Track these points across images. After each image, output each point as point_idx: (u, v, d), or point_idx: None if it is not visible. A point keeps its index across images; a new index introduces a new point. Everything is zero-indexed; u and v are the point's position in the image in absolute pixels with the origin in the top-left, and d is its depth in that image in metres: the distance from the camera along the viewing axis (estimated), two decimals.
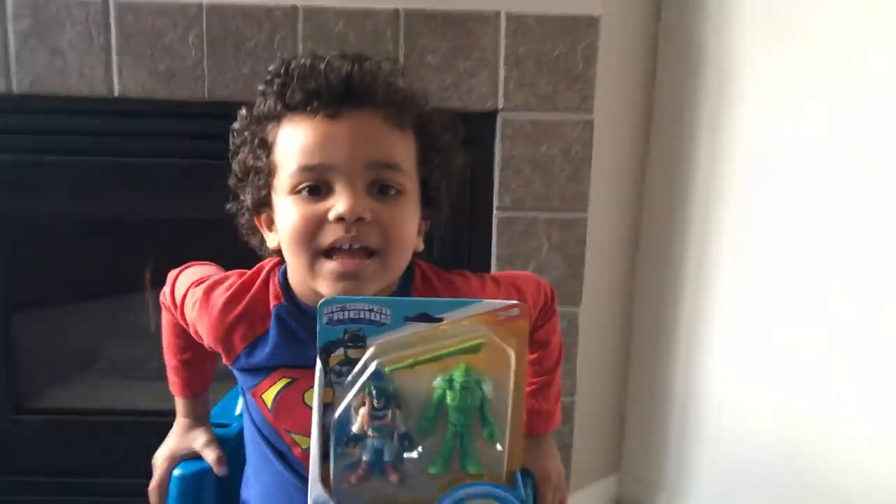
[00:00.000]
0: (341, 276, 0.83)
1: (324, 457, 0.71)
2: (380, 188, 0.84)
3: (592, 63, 1.60)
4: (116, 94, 1.60)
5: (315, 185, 0.83)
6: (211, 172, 1.64)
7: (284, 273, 0.93)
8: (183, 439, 1.10)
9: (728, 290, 1.77)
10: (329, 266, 0.83)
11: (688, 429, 1.87)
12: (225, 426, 1.18)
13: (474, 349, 0.70)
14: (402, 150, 0.87)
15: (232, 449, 1.11)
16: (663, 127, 1.82)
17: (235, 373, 0.98)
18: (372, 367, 0.69)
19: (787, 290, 1.67)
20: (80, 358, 2.02)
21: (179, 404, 1.12)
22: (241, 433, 1.15)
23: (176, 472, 1.06)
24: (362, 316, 0.70)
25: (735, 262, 1.75)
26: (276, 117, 0.87)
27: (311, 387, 0.83)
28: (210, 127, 1.62)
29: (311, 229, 0.83)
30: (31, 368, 1.88)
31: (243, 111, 0.92)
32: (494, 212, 1.67)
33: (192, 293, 0.99)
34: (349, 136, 0.83)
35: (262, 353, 0.91)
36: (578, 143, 1.64)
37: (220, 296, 0.94)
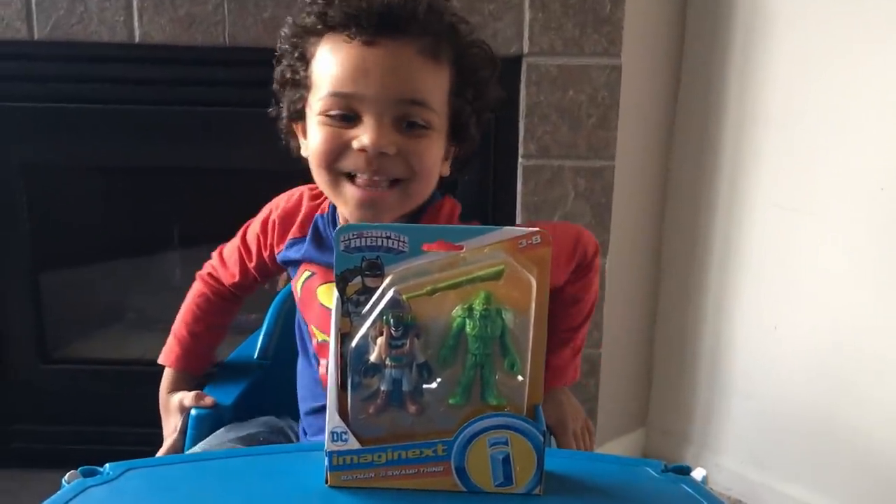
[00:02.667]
0: (360, 204, 0.86)
1: (342, 387, 0.69)
2: (408, 123, 0.85)
3: (620, 5, 1.56)
4: (137, 40, 1.58)
5: (345, 114, 0.85)
6: (233, 119, 1.67)
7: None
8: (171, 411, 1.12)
9: (759, 240, 1.73)
10: (350, 190, 0.87)
11: (716, 381, 1.84)
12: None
13: (494, 276, 0.68)
14: (434, 85, 0.87)
15: (251, 389, 1.13)
16: (693, 70, 1.78)
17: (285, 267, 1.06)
18: (389, 295, 0.67)
19: (820, 240, 1.64)
20: (107, 310, 2.03)
21: (168, 378, 1.13)
22: (259, 374, 1.17)
23: (192, 412, 1.06)
24: (380, 243, 0.67)
25: (766, 212, 1.71)
26: (317, 33, 0.88)
27: (325, 282, 0.94)
28: (231, 74, 1.64)
29: (335, 153, 0.86)
30: (59, 320, 1.90)
31: (290, 19, 0.92)
32: (519, 160, 1.65)
33: (263, 212, 1.07)
34: (382, 68, 0.84)
35: (299, 250, 0.99)
36: (606, 88, 1.60)
37: (296, 192, 1.04)
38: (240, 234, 1.10)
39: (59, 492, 0.71)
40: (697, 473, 0.78)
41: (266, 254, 1.05)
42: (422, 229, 0.70)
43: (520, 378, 0.70)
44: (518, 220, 1.66)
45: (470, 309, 0.68)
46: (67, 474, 0.73)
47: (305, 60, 0.89)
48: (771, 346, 1.74)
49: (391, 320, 0.67)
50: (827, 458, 1.68)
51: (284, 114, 0.94)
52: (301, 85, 0.90)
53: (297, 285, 1.00)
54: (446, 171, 0.93)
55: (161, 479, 0.75)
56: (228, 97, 1.66)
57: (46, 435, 1.86)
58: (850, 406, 1.63)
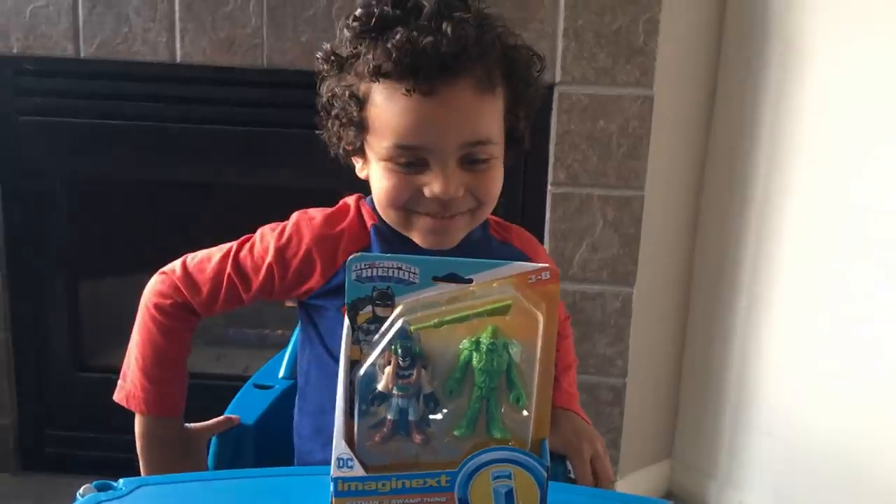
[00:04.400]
0: (433, 232, 0.90)
1: (349, 414, 0.70)
2: (471, 160, 0.88)
3: (654, 36, 1.56)
4: (179, 60, 1.63)
5: (411, 162, 0.88)
6: (269, 140, 1.71)
7: (372, 202, 0.96)
8: (187, 460, 1.04)
9: (788, 276, 1.71)
10: (423, 221, 0.90)
11: (742, 417, 1.82)
12: (268, 387, 1.20)
13: (502, 311, 0.69)
14: (493, 118, 0.90)
15: (271, 408, 1.13)
16: (726, 102, 1.76)
17: (316, 301, 0.98)
18: (398, 326, 0.68)
19: (849, 278, 1.61)
20: None
21: (148, 426, 1.03)
22: (285, 391, 1.18)
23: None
24: (391, 274, 0.69)
25: (795, 249, 1.69)
26: (369, 78, 0.87)
27: None
28: (269, 95, 1.68)
29: (405, 199, 0.89)
30: (96, 329, 1.94)
31: (328, 46, 0.92)
32: (549, 187, 1.65)
33: (267, 230, 0.99)
34: (444, 117, 0.86)
35: None
36: (637, 118, 1.60)
37: (317, 213, 0.98)
38: (226, 258, 0.98)
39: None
40: None
41: (280, 287, 0.97)
42: (433, 262, 0.70)
43: (525, 413, 0.70)
44: (546, 248, 1.67)
45: (477, 342, 0.68)
46: (82, 487, 0.75)
47: (359, 101, 0.89)
48: (798, 382, 1.71)
49: (399, 350, 0.68)
50: (853, 499, 1.65)
51: (340, 148, 0.94)
52: (356, 125, 0.90)
53: None
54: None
55: (173, 497, 0.76)
56: (266, 117, 1.70)
57: (80, 441, 1.90)
58: (879, 447, 1.60)
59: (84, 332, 1.90)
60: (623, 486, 1.82)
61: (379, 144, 0.88)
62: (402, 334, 0.68)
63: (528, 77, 0.93)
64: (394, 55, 0.84)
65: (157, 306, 1.00)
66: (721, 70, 1.77)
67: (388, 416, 0.69)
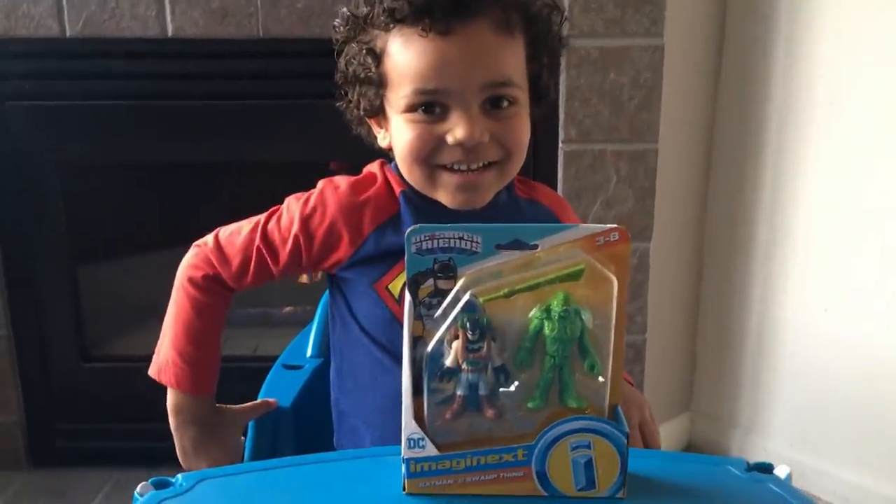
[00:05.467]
0: (461, 188, 0.86)
1: (416, 393, 0.67)
2: (493, 101, 0.84)
3: None
4: (170, 34, 1.56)
5: (430, 104, 0.84)
6: (268, 113, 1.65)
7: (397, 169, 0.93)
8: (218, 441, 1.00)
9: (804, 222, 1.70)
10: (449, 177, 0.86)
11: (762, 364, 1.82)
12: (298, 367, 1.17)
13: (573, 276, 0.66)
14: (514, 60, 0.86)
15: (304, 388, 1.10)
16: (737, 50, 1.73)
17: (345, 274, 0.94)
18: (465, 298, 0.65)
19: (865, 222, 1.60)
20: (146, 308, 2.02)
21: (189, 406, 0.99)
22: (316, 370, 1.14)
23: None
24: (452, 244, 0.66)
25: (813, 195, 1.67)
26: (384, 27, 0.85)
27: None
28: (267, 65, 1.62)
29: (428, 149, 0.85)
30: (98, 318, 1.89)
31: (345, 10, 0.90)
32: (560, 144, 1.62)
33: (293, 199, 0.95)
34: (462, 57, 0.82)
35: (396, 236, 0.90)
36: (648, 69, 1.57)
37: (342, 180, 0.94)
38: (255, 230, 0.95)
39: None
40: (781, 471, 0.76)
41: (308, 258, 0.93)
42: (495, 229, 0.67)
43: (600, 379, 0.68)
44: None
45: (548, 310, 0.66)
46: (140, 486, 0.72)
47: (376, 56, 0.87)
48: (820, 328, 1.71)
49: (467, 323, 0.65)
50: (877, 441, 1.65)
51: (359, 111, 0.92)
52: (375, 82, 0.87)
53: (397, 284, 0.91)
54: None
55: (236, 490, 0.73)
56: (265, 90, 1.65)
57: (89, 433, 1.87)
58: None
59: (86, 323, 1.85)
60: None
61: (398, 96, 0.85)
62: (470, 307, 0.65)
63: (549, 24, 0.90)
64: None
65: (189, 279, 0.97)
66: (730, 16, 1.73)
67: (458, 392, 0.67)
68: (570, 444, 0.67)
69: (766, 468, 0.76)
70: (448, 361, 0.66)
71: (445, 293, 0.66)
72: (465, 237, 0.66)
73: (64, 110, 1.65)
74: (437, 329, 0.66)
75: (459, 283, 0.66)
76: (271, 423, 1.04)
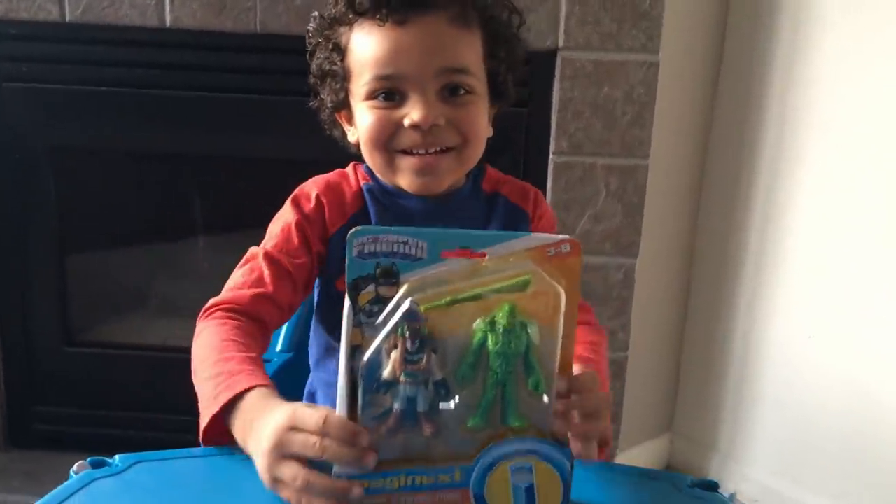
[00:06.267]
0: (420, 171, 0.88)
1: (352, 404, 0.64)
2: (450, 90, 0.88)
3: (660, 0, 1.52)
4: (168, 24, 1.57)
5: (389, 92, 0.87)
6: (262, 107, 1.66)
7: (368, 168, 0.96)
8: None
9: (795, 246, 1.68)
10: (408, 161, 0.89)
11: (744, 389, 1.80)
12: (266, 361, 1.16)
13: (519, 287, 0.63)
14: (470, 51, 0.89)
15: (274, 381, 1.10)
16: (733, 69, 1.73)
17: (320, 272, 0.94)
18: (405, 306, 0.62)
19: (853, 250, 1.59)
20: (132, 295, 2.03)
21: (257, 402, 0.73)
22: (284, 364, 1.14)
23: None
24: (396, 249, 0.63)
25: (803, 218, 1.66)
26: (347, 22, 0.90)
27: None
28: (262, 60, 1.62)
29: (388, 133, 0.88)
30: (84, 304, 1.90)
31: (316, 13, 0.95)
32: (551, 156, 1.61)
33: (272, 223, 0.94)
34: (419, 44, 0.86)
35: None
36: (642, 85, 1.56)
37: (310, 186, 0.95)
38: (258, 254, 0.90)
39: (65, 483, 0.69)
40: (726, 490, 0.74)
41: (316, 248, 0.91)
42: (442, 234, 0.64)
43: (545, 399, 0.65)
44: None
45: (492, 322, 0.63)
46: (76, 464, 0.72)
47: (341, 51, 0.91)
48: (804, 354, 1.69)
49: (407, 333, 0.62)
50: (858, 472, 1.63)
51: (328, 104, 0.95)
52: (340, 75, 0.92)
53: None
54: (490, 132, 0.95)
55: (170, 473, 0.73)
56: (258, 84, 1.65)
57: (69, 418, 1.87)
58: (884, 420, 1.59)
59: (72, 307, 1.86)
60: (622, 459, 1.80)
61: (359, 84, 0.89)
62: (411, 315, 0.62)
63: (508, 24, 0.94)
64: None
65: (210, 316, 0.84)
66: (728, 35, 1.73)
67: (396, 406, 0.64)
68: (510, 466, 0.64)
69: (711, 486, 0.75)
70: (386, 373, 0.63)
71: (387, 300, 0.63)
72: (410, 242, 0.63)
73: (59, 94, 1.65)
74: (375, 337, 0.63)
75: (402, 289, 0.63)
76: None
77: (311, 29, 0.95)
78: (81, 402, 1.86)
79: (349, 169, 0.98)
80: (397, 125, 0.87)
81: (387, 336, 0.62)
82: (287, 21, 1.55)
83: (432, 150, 0.88)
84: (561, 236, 0.64)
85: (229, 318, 0.84)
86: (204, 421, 0.74)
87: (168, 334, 1.93)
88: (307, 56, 0.96)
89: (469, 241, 0.63)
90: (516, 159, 1.62)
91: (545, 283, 0.63)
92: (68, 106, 1.67)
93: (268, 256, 0.90)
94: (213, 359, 0.77)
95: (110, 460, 0.73)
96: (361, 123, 0.90)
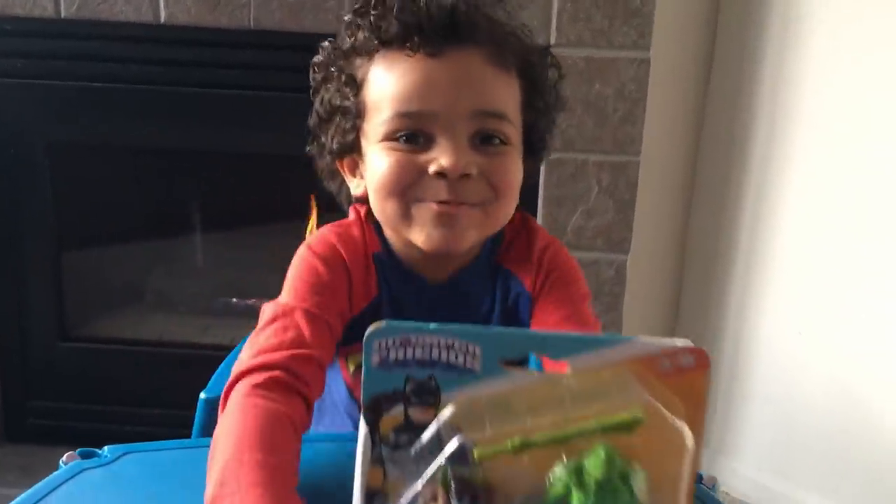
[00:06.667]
0: (440, 222, 0.75)
1: None
2: (483, 138, 0.76)
3: None
4: (163, 20, 1.58)
5: (413, 134, 0.75)
6: (256, 103, 1.66)
7: (377, 223, 0.83)
8: None
9: (786, 243, 1.69)
10: (426, 210, 0.75)
11: (735, 385, 1.81)
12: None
13: (625, 426, 0.43)
14: (509, 96, 0.78)
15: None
16: (724, 66, 1.73)
17: None
18: (454, 444, 0.43)
19: (843, 246, 1.59)
20: (127, 290, 2.04)
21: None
22: None
23: (202, 395, 1.03)
24: (436, 356, 0.44)
25: (794, 216, 1.67)
26: (368, 52, 0.78)
27: None
28: (255, 57, 1.63)
29: (408, 181, 0.75)
30: (80, 298, 1.90)
31: (327, 43, 0.83)
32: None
33: (301, 269, 0.80)
34: (452, 79, 0.74)
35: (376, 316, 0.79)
36: (634, 82, 1.57)
37: (321, 242, 0.81)
38: (291, 308, 0.76)
39: (54, 473, 0.70)
40: (709, 481, 0.75)
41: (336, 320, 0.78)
42: (504, 335, 0.46)
43: None
44: (539, 214, 1.64)
45: (579, 472, 0.44)
46: (66, 455, 0.73)
47: (356, 84, 0.78)
48: (794, 351, 1.70)
49: (452, 483, 0.44)
50: (847, 467, 1.64)
51: (333, 147, 0.82)
52: (352, 113, 0.79)
53: (354, 360, 0.83)
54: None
55: (159, 464, 0.74)
56: (252, 80, 1.65)
57: (63, 412, 1.87)
58: (873, 416, 1.60)
59: (67, 302, 1.87)
60: None
61: (377, 123, 0.76)
62: (459, 457, 0.44)
63: (545, 73, 0.83)
64: (396, 15, 0.75)
65: (243, 394, 0.69)
66: (719, 32, 1.73)
67: None
68: None
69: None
70: None
71: (421, 428, 0.45)
72: (458, 345, 0.44)
73: (55, 90, 1.66)
74: (404, 481, 0.45)
75: (445, 413, 0.44)
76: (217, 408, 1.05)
77: (317, 61, 0.83)
78: (76, 396, 1.87)
79: (353, 220, 0.84)
80: (420, 172, 0.74)
81: (424, 485, 0.45)
82: (281, 17, 1.56)
83: (456, 202, 0.74)
84: (681, 342, 0.46)
85: (267, 389, 0.68)
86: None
87: (163, 329, 1.94)
88: (310, 93, 0.84)
89: (544, 346, 0.44)
90: None
91: (662, 418, 0.44)
92: (63, 102, 1.67)
93: (304, 311, 0.75)
94: (225, 456, 0.63)
95: (99, 451, 0.74)
96: (375, 168, 0.76)
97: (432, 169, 0.73)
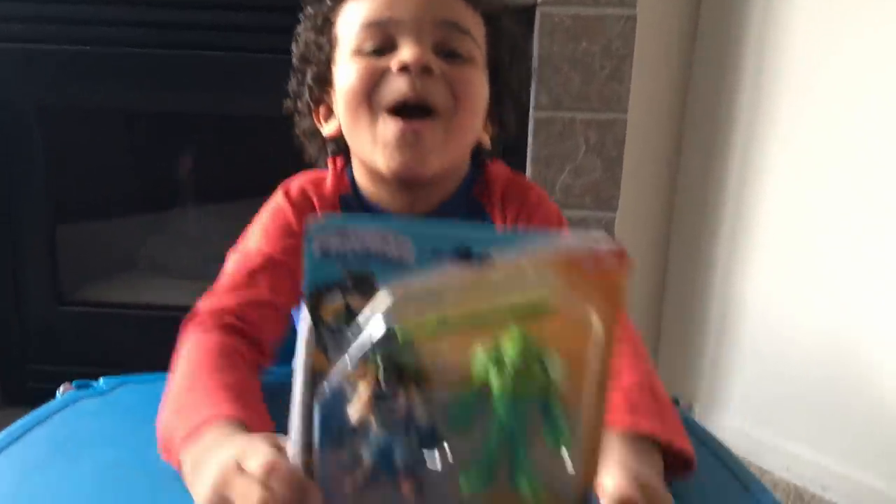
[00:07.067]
0: (402, 142, 0.75)
1: (308, 447, 0.48)
2: (447, 53, 0.77)
3: None
4: None
5: (380, 46, 0.77)
6: (251, 66, 1.67)
7: (352, 169, 0.86)
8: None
9: (773, 198, 1.71)
10: (391, 126, 0.75)
11: (724, 341, 1.84)
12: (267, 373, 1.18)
13: (534, 309, 0.45)
14: (473, 23, 0.80)
15: (277, 396, 1.11)
16: (710, 21, 1.74)
17: None
18: (381, 325, 0.45)
19: (830, 204, 1.61)
20: (123, 255, 2.06)
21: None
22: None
23: None
24: (372, 247, 0.47)
25: (781, 171, 1.69)
26: None
27: None
28: (250, 18, 1.64)
29: (373, 83, 0.76)
30: (75, 262, 1.92)
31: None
32: (531, 111, 1.63)
33: (267, 214, 0.84)
34: None
35: None
36: (620, 39, 1.58)
37: (295, 187, 0.85)
38: (251, 252, 0.80)
39: (49, 402, 0.72)
40: (686, 405, 0.78)
41: None
42: (434, 231, 0.48)
43: (567, 459, 0.47)
44: (528, 174, 1.66)
45: (498, 355, 0.46)
46: (62, 386, 0.75)
47: (329, 22, 0.82)
48: (781, 310, 1.72)
49: (380, 362, 0.46)
50: (834, 419, 1.67)
51: (309, 80, 0.85)
52: (325, 47, 0.82)
53: None
54: (486, 143, 0.85)
55: (155, 394, 0.75)
56: (247, 43, 1.65)
57: (60, 376, 1.88)
58: (859, 368, 1.61)
59: (63, 266, 1.88)
60: None
61: (346, 43, 0.79)
62: (387, 339, 0.46)
63: (512, 34, 0.84)
64: None
65: (197, 329, 0.74)
66: None
67: (364, 456, 0.48)
68: None
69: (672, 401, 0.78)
70: (352, 411, 0.47)
71: (358, 315, 0.48)
72: (391, 238, 0.47)
73: (46, 55, 1.67)
74: (343, 365, 0.47)
75: (380, 302, 0.46)
76: None
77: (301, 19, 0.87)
78: (74, 359, 1.88)
79: (329, 169, 0.86)
80: (383, 73, 0.76)
81: (355, 364, 0.46)
82: None
83: (418, 114, 0.75)
84: (602, 239, 0.46)
85: (213, 330, 0.72)
86: (172, 461, 0.61)
87: (159, 294, 1.96)
88: (293, 44, 0.87)
89: (470, 241, 0.46)
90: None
91: (573, 305, 0.45)
92: (55, 66, 1.68)
93: (266, 257, 0.78)
94: (184, 386, 0.67)
95: (95, 382, 0.76)
96: (343, 81, 0.78)
97: (394, 63, 0.75)
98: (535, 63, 1.61)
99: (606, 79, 1.60)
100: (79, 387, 0.74)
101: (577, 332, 0.45)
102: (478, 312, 0.45)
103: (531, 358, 0.45)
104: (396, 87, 0.75)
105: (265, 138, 1.91)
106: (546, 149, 1.65)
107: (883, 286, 1.55)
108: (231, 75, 1.69)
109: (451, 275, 0.45)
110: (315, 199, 0.83)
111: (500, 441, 0.46)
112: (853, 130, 1.57)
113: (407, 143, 0.75)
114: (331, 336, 0.47)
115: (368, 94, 0.77)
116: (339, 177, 0.85)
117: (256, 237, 0.81)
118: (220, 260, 2.16)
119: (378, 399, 0.46)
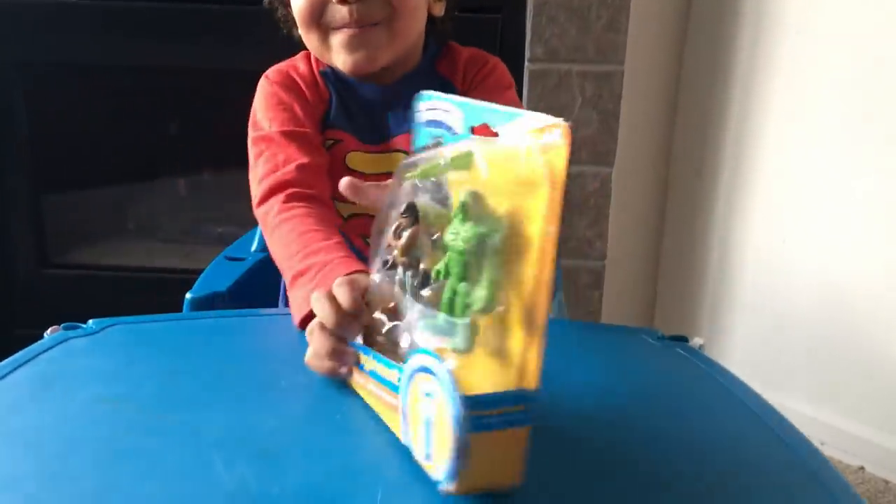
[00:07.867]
0: (350, 46, 0.86)
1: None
2: None
3: None
4: None
5: None
6: (237, 18, 1.63)
7: None
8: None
9: (770, 152, 1.69)
10: (338, 38, 0.87)
11: (722, 293, 1.82)
12: (241, 259, 1.17)
13: (464, 159, 0.52)
14: None
15: (244, 278, 1.11)
16: None
17: None
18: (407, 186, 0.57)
19: (827, 154, 1.59)
20: (108, 216, 2.02)
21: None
22: (258, 262, 1.15)
23: (188, 296, 1.03)
24: (440, 118, 0.58)
25: (779, 123, 1.66)
26: None
27: (355, 150, 0.92)
28: None
29: (316, 10, 0.86)
30: (60, 224, 1.89)
31: None
32: (526, 63, 1.60)
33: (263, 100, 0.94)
34: None
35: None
36: None
37: (272, 72, 0.95)
38: (271, 136, 0.89)
39: (38, 342, 0.70)
40: (695, 342, 0.76)
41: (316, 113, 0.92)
42: (473, 108, 0.57)
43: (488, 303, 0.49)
44: None
45: (461, 208, 0.51)
46: (50, 328, 0.72)
47: None
48: (779, 259, 1.71)
49: (403, 205, 0.57)
50: (833, 374, 1.66)
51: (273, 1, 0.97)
52: None
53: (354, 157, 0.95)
54: (440, 10, 0.94)
55: (145, 334, 0.73)
56: None
57: None
58: (859, 322, 1.61)
59: (48, 229, 1.85)
60: None
61: None
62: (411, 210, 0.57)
63: None
64: None
65: (277, 209, 0.83)
66: None
67: (396, 288, 0.58)
68: (420, 387, 0.50)
69: (682, 339, 0.76)
70: (387, 241, 0.58)
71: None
72: (452, 111, 0.58)
73: (28, 9, 1.62)
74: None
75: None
76: (206, 304, 1.05)
77: None
78: (61, 321, 1.85)
79: (299, 57, 0.96)
80: (325, 2, 0.86)
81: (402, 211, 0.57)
82: None
83: (361, 24, 0.86)
84: (552, 120, 0.48)
85: (293, 205, 0.82)
86: (303, 312, 0.69)
87: (145, 257, 1.93)
88: None
89: (489, 117, 0.54)
90: None
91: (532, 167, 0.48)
92: (37, 19, 1.63)
93: (282, 133, 0.88)
94: (301, 253, 0.75)
95: (84, 325, 0.73)
96: (294, 7, 0.89)
97: None
98: (530, 13, 1.57)
99: (603, 28, 1.57)
100: (67, 328, 0.71)
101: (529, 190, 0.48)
102: (425, 167, 0.55)
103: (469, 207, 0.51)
104: (339, 17, 0.85)
105: (251, 90, 1.88)
106: (542, 101, 1.62)
107: (884, 238, 1.54)
108: (220, 28, 1.65)
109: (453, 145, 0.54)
110: (297, 77, 0.92)
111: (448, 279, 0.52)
112: (853, 67, 1.55)
113: (354, 46, 0.86)
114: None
115: (316, 19, 0.87)
116: (316, 60, 0.94)
117: (266, 122, 0.90)
118: (207, 219, 2.13)
119: (394, 234, 0.57)
